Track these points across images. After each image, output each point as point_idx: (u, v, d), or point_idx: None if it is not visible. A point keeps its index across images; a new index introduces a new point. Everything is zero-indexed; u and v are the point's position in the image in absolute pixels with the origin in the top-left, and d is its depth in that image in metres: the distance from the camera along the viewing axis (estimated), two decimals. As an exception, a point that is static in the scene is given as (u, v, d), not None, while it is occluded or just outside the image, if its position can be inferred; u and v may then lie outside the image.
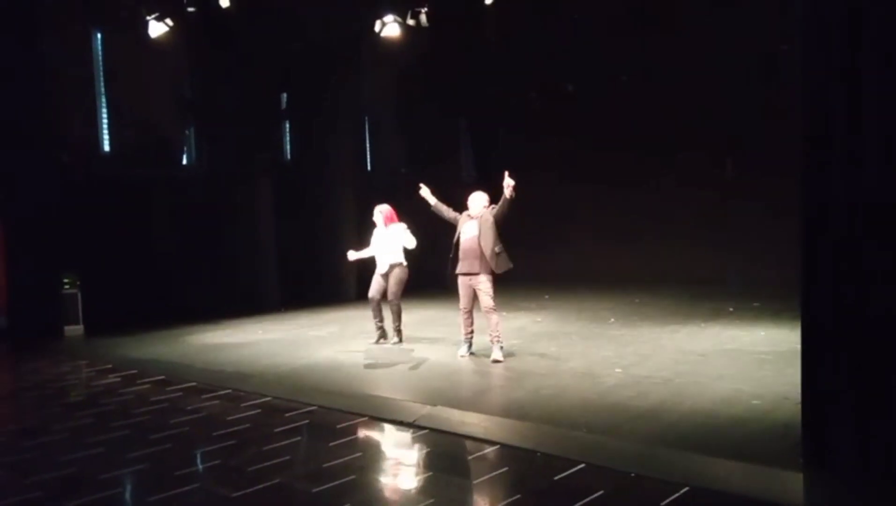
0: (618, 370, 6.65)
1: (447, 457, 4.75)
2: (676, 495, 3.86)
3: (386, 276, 8.26)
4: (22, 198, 10.44)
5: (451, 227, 7.59)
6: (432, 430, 5.24)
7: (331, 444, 5.06)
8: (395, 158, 15.12)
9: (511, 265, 7.33)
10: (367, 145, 15.24)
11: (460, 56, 13.41)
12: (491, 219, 7.23)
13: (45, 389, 7.35)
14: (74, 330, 10.58)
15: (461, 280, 7.40)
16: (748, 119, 11.96)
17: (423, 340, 8.67)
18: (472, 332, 7.56)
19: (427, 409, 5.59)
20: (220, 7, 9.57)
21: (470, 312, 7.50)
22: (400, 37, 9.95)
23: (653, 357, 7.17)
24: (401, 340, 8.42)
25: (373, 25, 9.94)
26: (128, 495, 4.44)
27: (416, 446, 5.07)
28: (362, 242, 8.83)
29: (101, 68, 11.79)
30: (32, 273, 10.41)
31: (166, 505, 4.09)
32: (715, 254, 13.00)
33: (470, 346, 7.58)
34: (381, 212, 8.39)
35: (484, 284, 7.24)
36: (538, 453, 4.62)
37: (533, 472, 4.39)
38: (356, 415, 5.70)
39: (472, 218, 7.38)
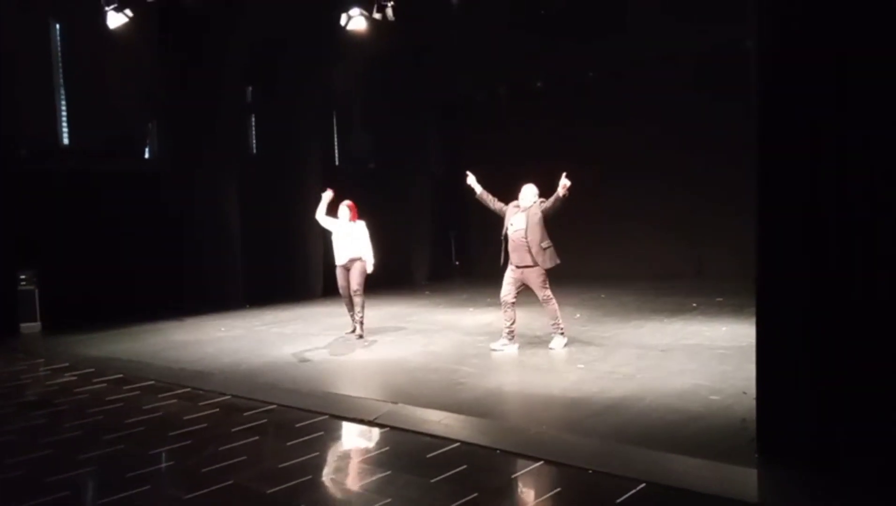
0: (580, 366, 6.65)
1: (406, 455, 4.70)
2: (633, 491, 3.86)
3: (346, 268, 8.22)
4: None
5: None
6: (392, 428, 5.19)
7: (289, 443, 4.98)
8: (362, 152, 15.02)
9: (559, 261, 7.32)
10: (335, 139, 15.11)
11: (427, 49, 13.35)
12: (540, 213, 7.21)
13: (-3, 388, 7.16)
14: (31, 327, 10.34)
15: (510, 270, 7.38)
16: (714, 116, 12.09)
17: (387, 336, 8.62)
18: (513, 324, 7.44)
19: (388, 406, 5.54)
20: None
21: (511, 305, 7.40)
22: (366, 30, 9.83)
23: (616, 352, 7.20)
24: (362, 335, 8.37)
25: (339, 18, 9.80)
26: (76, 497, 4.31)
27: (376, 444, 5.01)
28: (328, 236, 8.73)
29: (60, 60, 11.50)
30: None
31: (115, 508, 3.98)
32: (680, 249, 13.15)
33: (511, 339, 7.45)
34: (350, 208, 8.33)
35: (535, 278, 7.23)
36: (497, 451, 4.59)
37: (491, 470, 4.36)
38: (316, 413, 5.63)
39: (520, 210, 7.35)
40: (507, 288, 7.41)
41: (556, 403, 5.49)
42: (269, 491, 4.09)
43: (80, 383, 7.21)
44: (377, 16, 9.70)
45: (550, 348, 7.40)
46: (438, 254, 15.54)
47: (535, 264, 7.21)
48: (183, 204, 11.96)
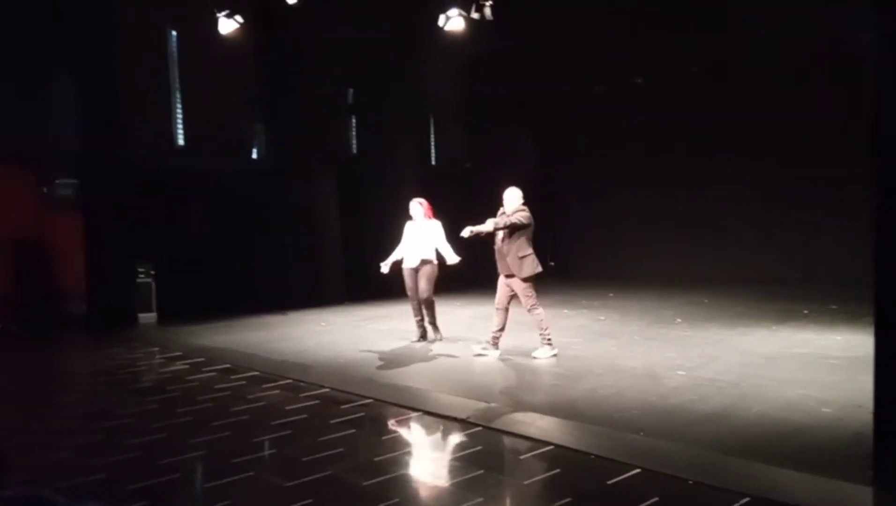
0: (680, 372, 6.44)
1: (498, 455, 4.70)
2: (735, 505, 3.70)
3: (416, 270, 8.12)
4: (102, 191, 10.90)
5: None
6: (485, 427, 5.19)
7: (383, 437, 5.08)
8: (459, 153, 15.12)
9: (540, 269, 7.14)
10: (432, 140, 15.31)
11: (526, 49, 13.25)
12: (521, 219, 7.03)
13: (118, 374, 7.66)
14: (148, 317, 11.00)
15: (500, 278, 7.28)
16: (817, 115, 11.44)
17: (479, 336, 8.62)
18: (499, 331, 7.35)
19: (480, 406, 5.55)
20: (287, 3, 9.73)
21: (502, 310, 7.31)
22: (464, 30, 9.89)
23: (718, 360, 6.93)
24: (439, 335, 8.34)
25: (436, 19, 9.92)
26: (187, 480, 4.56)
27: (468, 442, 5.03)
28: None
29: (176, 65, 12.23)
30: (110, 262, 10.87)
31: (222, 491, 4.18)
32: (787, 253, 12.51)
33: (493, 346, 7.37)
34: (422, 205, 8.18)
35: (518, 286, 7.10)
36: (592, 456, 4.51)
37: (586, 474, 4.29)
38: (410, 409, 5.71)
39: (502, 216, 7.20)
40: (499, 294, 7.29)
41: (653, 409, 5.34)
42: (364, 483, 4.18)
43: (191, 371, 7.62)
44: (475, 15, 9.74)
45: (534, 358, 7.16)
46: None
47: (516, 274, 7.05)
48: (287, 203, 12.44)
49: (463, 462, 4.62)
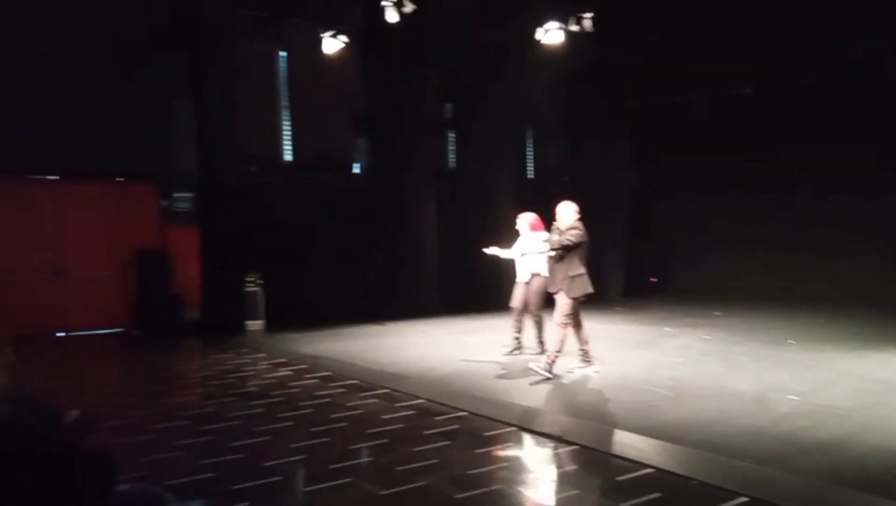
0: (793, 397, 6.08)
1: (595, 475, 4.59)
2: (853, 541, 3.45)
3: (528, 284, 8.14)
4: (215, 205, 11.51)
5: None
6: (582, 446, 5.08)
7: (477, 451, 5.07)
8: (557, 166, 14.98)
9: (590, 290, 6.92)
10: (532, 153, 15.27)
11: (626, 61, 12.98)
12: (572, 238, 6.85)
13: (226, 378, 8.03)
14: (255, 325, 11.47)
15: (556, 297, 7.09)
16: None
17: (575, 353, 8.46)
18: (586, 345, 7.22)
19: (577, 423, 5.45)
20: (388, 22, 10.00)
21: (577, 327, 7.16)
22: (563, 43, 9.83)
23: (834, 384, 6.50)
24: (543, 351, 8.25)
25: (535, 32, 9.90)
26: (287, 483, 4.72)
27: (564, 461, 4.94)
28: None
29: (285, 85, 12.81)
30: (222, 272, 11.43)
31: (320, 496, 4.30)
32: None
33: (584, 362, 7.24)
34: (526, 220, 8.21)
35: (561, 301, 6.91)
36: (695, 481, 4.32)
37: (688, 501, 4.11)
38: (505, 424, 5.67)
39: (554, 232, 7.06)
40: (556, 311, 7.03)
41: (763, 435, 5.07)
42: (457, 496, 4.18)
43: (294, 377, 7.89)
44: (575, 28, 9.66)
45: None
46: (633, 269, 15.04)
47: (561, 291, 6.81)
48: (386, 216, 12.71)
49: (558, 481, 4.54)
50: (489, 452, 5.05)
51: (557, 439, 5.26)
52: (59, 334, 11.32)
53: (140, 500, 2.26)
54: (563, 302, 6.88)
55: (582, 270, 6.88)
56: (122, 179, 12.10)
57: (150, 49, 11.32)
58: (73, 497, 1.68)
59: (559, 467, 4.86)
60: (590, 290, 6.93)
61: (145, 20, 11.14)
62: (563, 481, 4.51)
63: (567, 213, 6.98)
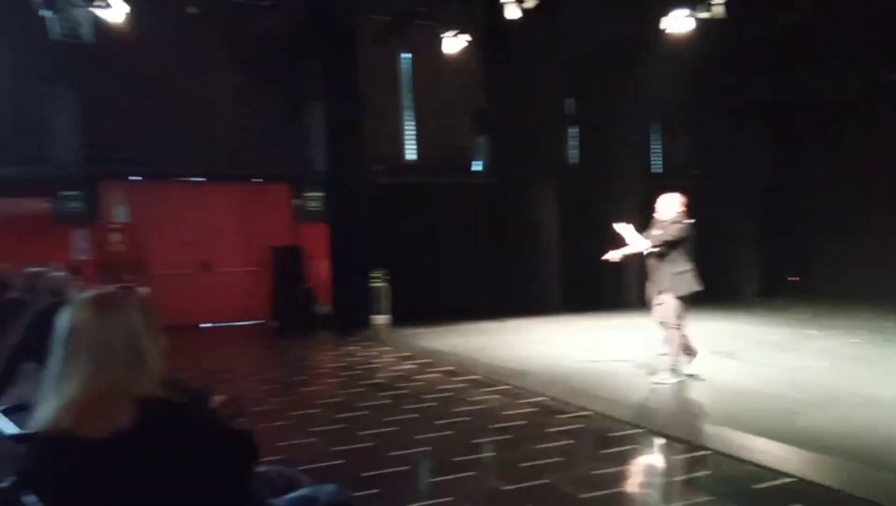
0: (955, 407, 5.53)
1: (730, 483, 4.37)
2: None
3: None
4: (344, 204, 11.97)
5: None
6: (715, 452, 4.86)
7: (602, 451, 4.97)
8: (686, 160, 14.40)
9: (698, 288, 6.42)
10: (660, 147, 14.77)
11: (761, 47, 12.23)
12: (676, 233, 6.39)
13: (355, 369, 8.35)
14: (381, 319, 11.84)
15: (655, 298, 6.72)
16: None
17: (711, 355, 8.10)
18: (685, 348, 6.73)
19: (710, 428, 5.22)
20: (510, 18, 9.98)
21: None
22: (692, 31, 9.42)
23: None
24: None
25: (660, 21, 9.55)
26: (413, 473, 4.84)
27: (695, 466, 4.75)
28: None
29: (408, 86, 13.13)
30: (350, 268, 11.88)
31: (445, 487, 4.37)
32: None
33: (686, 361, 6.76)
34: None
35: (669, 302, 6.49)
36: (841, 493, 4.03)
37: (832, 513, 3.84)
38: (631, 425, 5.52)
39: (657, 226, 6.58)
40: (658, 311, 6.57)
41: (919, 447, 4.64)
42: (581, 496, 4.13)
43: (418, 371, 8.07)
44: (705, 14, 9.23)
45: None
46: (771, 268, 14.19)
47: (666, 291, 6.29)
48: (508, 212, 12.73)
49: (689, 486, 4.37)
50: (615, 453, 4.94)
51: (687, 443, 5.06)
52: (204, 325, 12.19)
53: (278, 481, 2.40)
54: (670, 303, 6.53)
55: (687, 266, 6.52)
56: (259, 181, 12.87)
57: (284, 58, 11.95)
58: (222, 476, 1.81)
59: (690, 471, 4.68)
60: (697, 288, 6.53)
61: (280, 31, 11.77)
62: (695, 486, 4.33)
63: (670, 205, 6.58)
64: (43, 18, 9.20)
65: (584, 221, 12.90)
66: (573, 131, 13.82)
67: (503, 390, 6.95)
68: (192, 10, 11.14)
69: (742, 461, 4.65)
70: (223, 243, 12.60)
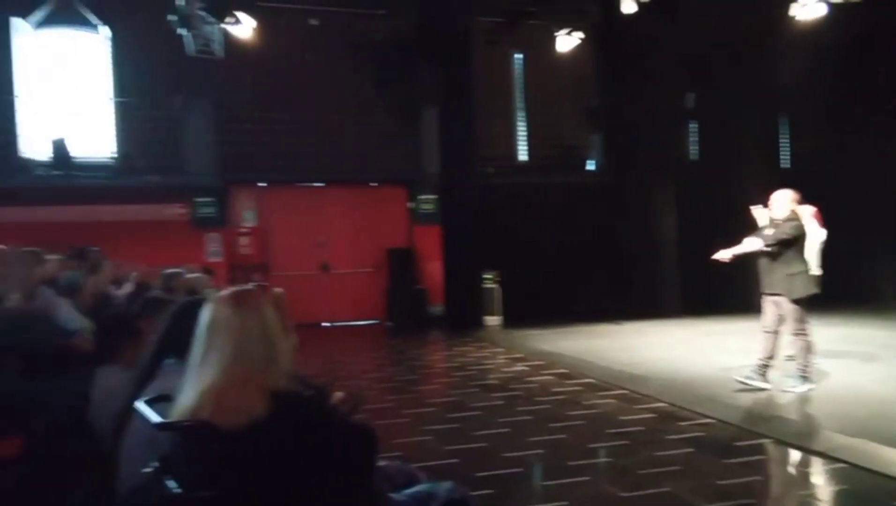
0: None
1: (868, 498, 4.07)
2: None
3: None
4: (456, 206, 12.10)
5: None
6: (850, 464, 4.53)
7: (726, 461, 4.75)
8: (817, 154, 13.51)
9: (815, 290, 6.00)
10: (787, 141, 13.95)
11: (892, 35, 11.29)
12: (791, 231, 5.96)
13: (468, 370, 8.42)
14: (493, 321, 11.87)
15: (764, 298, 6.26)
16: None
17: (843, 360, 7.56)
18: (768, 358, 6.25)
19: (844, 439, 4.86)
20: (624, 13, 9.75)
21: (771, 334, 6.23)
22: (824, 17, 8.83)
23: None
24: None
25: (790, 8, 9.01)
26: (527, 475, 4.82)
27: (829, 479, 4.45)
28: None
29: (520, 85, 13.10)
30: (462, 269, 11.99)
31: (559, 491, 4.33)
32: None
33: (763, 374, 6.26)
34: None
35: (787, 307, 6.03)
36: None
37: None
38: (757, 434, 5.25)
39: (770, 224, 6.18)
40: (766, 316, 6.11)
41: None
42: (705, 506, 3.97)
43: (531, 372, 8.03)
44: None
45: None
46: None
47: (783, 294, 5.77)
48: (623, 212, 12.42)
49: (824, 501, 4.10)
50: (740, 463, 4.70)
51: (820, 455, 4.75)
52: (323, 324, 12.68)
53: (397, 476, 2.46)
54: (788, 308, 6.11)
55: (803, 266, 6.12)
56: (375, 184, 13.25)
57: (399, 64, 12.24)
58: (348, 468, 1.88)
59: (822, 485, 4.39)
60: (814, 290, 6.12)
61: (395, 38, 12.08)
62: (830, 500, 4.06)
63: (783, 202, 6.18)
64: (180, 37, 9.89)
65: (704, 219, 12.37)
66: (692, 127, 13.31)
67: (619, 394, 6.79)
68: (313, 21, 11.66)
69: (882, 476, 4.31)
70: (341, 246, 13.07)
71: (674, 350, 8.76)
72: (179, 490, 1.79)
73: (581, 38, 10.35)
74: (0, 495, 2.42)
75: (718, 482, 4.31)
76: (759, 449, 5.00)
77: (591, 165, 13.55)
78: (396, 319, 12.47)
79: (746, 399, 6.17)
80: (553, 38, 11.05)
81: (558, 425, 5.74)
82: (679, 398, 6.36)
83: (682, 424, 5.68)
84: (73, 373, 3.77)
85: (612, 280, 12.17)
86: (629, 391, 6.83)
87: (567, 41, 10.46)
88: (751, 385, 6.28)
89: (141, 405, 2.01)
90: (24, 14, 10.86)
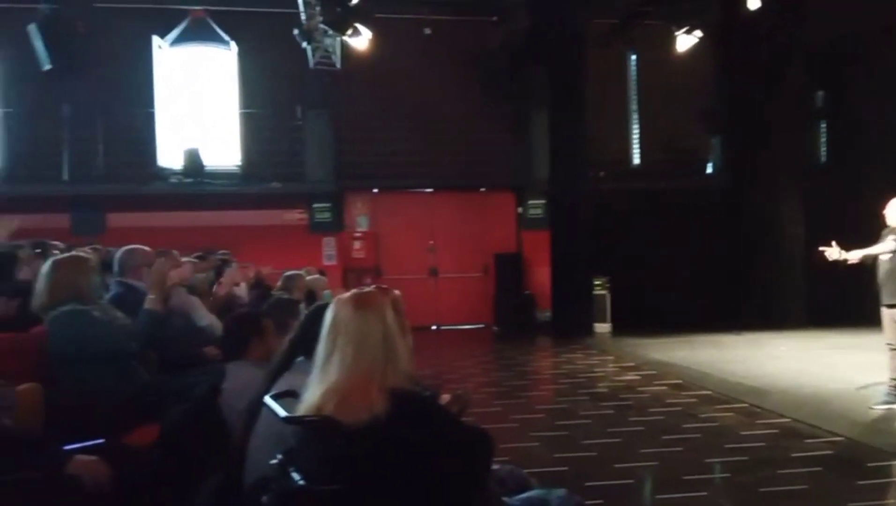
0: None
1: None
2: None
3: None
4: (566, 211, 11.98)
5: None
6: None
7: (859, 482, 4.44)
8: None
9: None
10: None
11: None
12: None
13: (577, 377, 8.31)
14: (603, 328, 11.65)
15: (883, 310, 5.85)
16: None
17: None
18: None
19: None
20: (746, 11, 9.33)
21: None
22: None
23: None
24: None
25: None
26: (639, 487, 4.70)
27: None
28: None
29: (634, 87, 12.80)
30: (571, 275, 11.84)
31: (673, 506, 4.20)
32: None
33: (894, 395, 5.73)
34: None
35: None
36: None
37: None
38: (892, 455, 4.87)
39: (890, 231, 5.83)
40: (889, 331, 5.64)
41: None
42: (834, 530, 3.74)
43: (642, 382, 7.82)
44: None
45: (870, 408, 5.74)
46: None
47: None
48: (744, 217, 11.89)
49: (970, 532, 3.76)
50: (874, 485, 4.39)
51: (968, 483, 4.36)
52: (432, 328, 12.88)
53: (508, 480, 2.47)
54: None
55: None
56: (484, 190, 13.33)
57: (509, 69, 12.27)
58: (465, 469, 1.93)
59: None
60: None
61: (506, 43, 12.13)
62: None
63: None
64: (301, 50, 10.37)
65: (833, 225, 11.60)
66: (822, 127, 12.55)
67: (738, 408, 6.49)
68: (427, 31, 11.92)
69: None
70: (450, 250, 13.23)
71: (797, 363, 8.28)
72: (303, 483, 1.88)
73: (699, 37, 9.99)
74: (138, 479, 2.63)
75: (849, 505, 4.05)
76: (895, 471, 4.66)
77: (709, 169, 13.03)
78: (503, 324, 12.48)
79: (880, 417, 5.75)
80: (669, 38, 10.73)
81: (672, 437, 5.56)
82: (804, 414, 6.00)
83: (808, 441, 5.36)
84: (205, 368, 4.04)
85: (730, 288, 11.66)
86: (749, 405, 6.52)
87: (685, 40, 10.13)
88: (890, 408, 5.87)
89: (269, 400, 2.13)
90: (162, 32, 11.72)
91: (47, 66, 9.55)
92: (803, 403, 6.38)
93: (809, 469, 4.74)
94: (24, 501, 2.06)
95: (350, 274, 12.28)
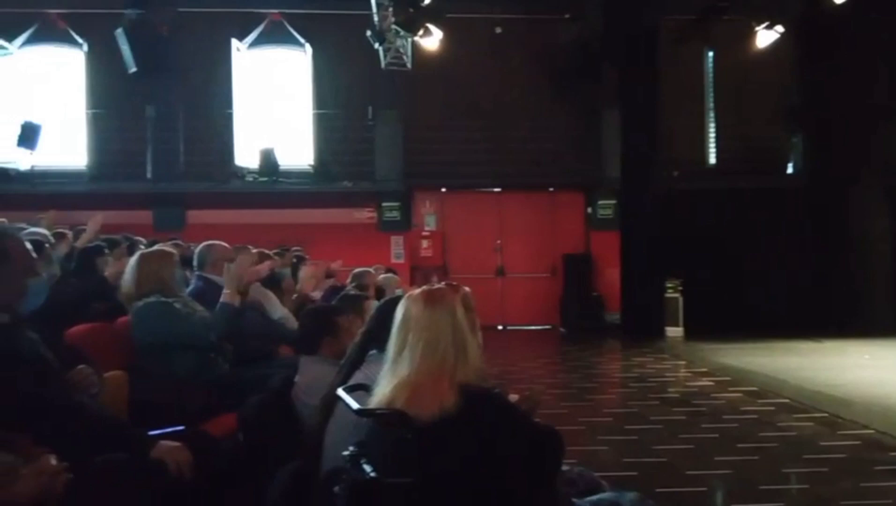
0: None
1: None
2: None
3: None
4: (637, 211, 11.74)
5: None
6: None
7: (951, 500, 4.21)
8: None
9: None
10: None
11: None
12: None
13: (647, 381, 8.14)
14: (675, 331, 11.34)
15: None
16: None
17: None
18: None
19: None
20: (830, 4, 8.93)
21: None
22: None
23: None
24: None
25: None
26: (712, 495, 4.57)
27: None
28: None
29: (711, 84, 12.44)
30: (642, 277, 11.59)
31: (748, 516, 4.07)
32: None
33: None
34: None
35: None
36: None
37: None
38: None
39: None
40: None
41: None
42: (923, 549, 3.54)
43: (716, 388, 7.59)
44: None
45: None
46: None
47: None
48: (827, 219, 11.40)
49: None
50: (967, 504, 4.15)
51: None
52: (499, 327, 12.84)
53: (578, 481, 2.45)
54: None
55: None
56: (552, 189, 13.21)
57: (580, 67, 12.11)
58: (535, 466, 1.92)
59: None
60: None
61: (577, 41, 11.97)
62: None
63: None
64: (372, 51, 10.52)
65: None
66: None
67: (818, 417, 6.23)
68: (498, 30, 11.89)
69: None
70: (517, 250, 13.17)
71: (884, 372, 7.88)
72: (374, 474, 1.91)
73: (780, 33, 9.63)
74: (217, 466, 2.71)
75: (940, 524, 3.84)
76: None
77: (789, 169, 12.54)
78: (570, 326, 12.34)
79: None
80: (747, 34, 10.38)
81: (748, 445, 5.38)
82: (890, 425, 5.71)
83: (893, 453, 5.10)
84: (280, 360, 4.16)
85: (811, 293, 11.20)
86: (829, 414, 6.25)
87: (766, 36, 9.78)
88: None
89: (342, 392, 2.18)
90: (240, 35, 12.11)
91: (133, 69, 10.01)
92: (889, 413, 6.07)
93: (894, 483, 4.51)
94: (110, 481, 2.15)
95: (417, 273, 12.36)
